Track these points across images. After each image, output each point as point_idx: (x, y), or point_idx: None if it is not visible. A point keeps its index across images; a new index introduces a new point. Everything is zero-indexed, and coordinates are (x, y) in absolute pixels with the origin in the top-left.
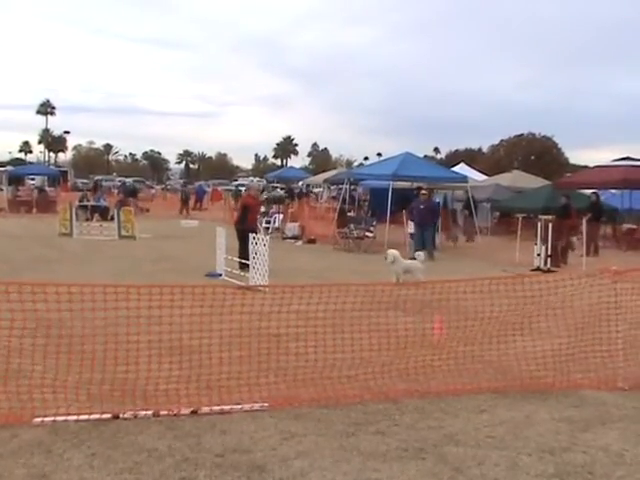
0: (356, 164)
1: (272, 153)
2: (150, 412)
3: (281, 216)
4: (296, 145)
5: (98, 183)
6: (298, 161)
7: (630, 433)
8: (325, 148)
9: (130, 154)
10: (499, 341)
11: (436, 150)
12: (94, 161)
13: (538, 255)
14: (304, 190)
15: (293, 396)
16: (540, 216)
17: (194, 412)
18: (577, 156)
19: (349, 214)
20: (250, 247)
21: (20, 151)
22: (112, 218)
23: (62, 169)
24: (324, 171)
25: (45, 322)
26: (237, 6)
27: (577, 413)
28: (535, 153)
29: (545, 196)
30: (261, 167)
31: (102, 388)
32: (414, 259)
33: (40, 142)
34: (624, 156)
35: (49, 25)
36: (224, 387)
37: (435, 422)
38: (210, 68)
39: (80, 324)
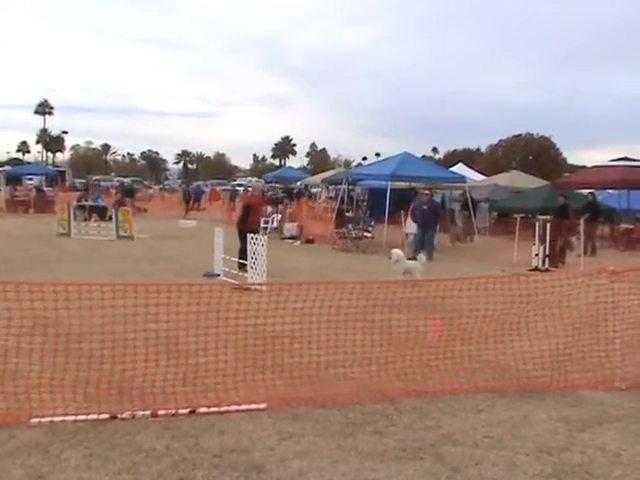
0: (354, 164)
1: (270, 153)
2: (148, 412)
3: (279, 216)
4: (294, 145)
5: (90, 184)
6: (296, 161)
7: (628, 433)
8: (323, 148)
9: (128, 154)
10: (496, 341)
11: (434, 150)
12: (92, 161)
13: (536, 255)
14: (302, 190)
15: (291, 396)
16: (538, 216)
17: (192, 412)
18: (577, 156)
19: (347, 214)
20: (248, 247)
21: (18, 151)
22: (110, 218)
23: (60, 169)
24: (322, 171)
25: (42, 321)
26: (237, 6)
27: (575, 413)
28: (533, 153)
29: (543, 196)
30: (259, 167)
31: (99, 387)
32: (414, 259)
33: (38, 142)
34: (622, 156)
35: (49, 25)
36: (220, 384)
37: (433, 422)
38: (210, 68)
39: (77, 323)
